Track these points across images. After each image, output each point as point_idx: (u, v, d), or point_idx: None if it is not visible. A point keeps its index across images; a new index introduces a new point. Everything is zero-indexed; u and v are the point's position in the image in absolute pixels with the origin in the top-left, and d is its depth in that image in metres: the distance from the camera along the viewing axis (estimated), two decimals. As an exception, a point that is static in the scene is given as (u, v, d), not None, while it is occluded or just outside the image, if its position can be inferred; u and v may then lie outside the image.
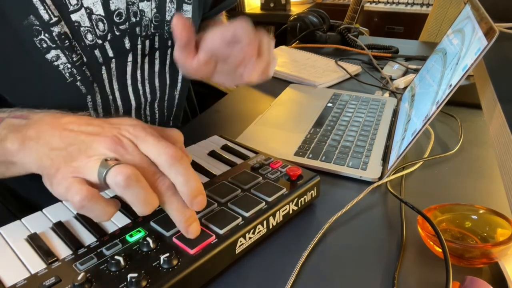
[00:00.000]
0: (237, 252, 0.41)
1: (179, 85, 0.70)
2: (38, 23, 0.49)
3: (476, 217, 0.46)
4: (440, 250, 0.40)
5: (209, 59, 0.49)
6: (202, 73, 0.50)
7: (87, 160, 0.36)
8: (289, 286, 0.40)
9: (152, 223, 0.41)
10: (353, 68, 1.01)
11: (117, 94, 0.60)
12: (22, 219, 0.42)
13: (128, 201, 0.36)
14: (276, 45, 1.23)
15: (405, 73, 0.99)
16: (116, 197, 0.38)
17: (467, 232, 0.45)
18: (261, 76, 0.51)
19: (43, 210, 0.44)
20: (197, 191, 0.38)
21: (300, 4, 2.58)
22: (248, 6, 2.53)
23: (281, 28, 1.36)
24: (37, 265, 0.36)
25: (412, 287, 0.40)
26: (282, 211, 0.46)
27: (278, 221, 0.46)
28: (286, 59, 1.09)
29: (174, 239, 0.39)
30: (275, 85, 0.94)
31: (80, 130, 0.39)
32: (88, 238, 0.40)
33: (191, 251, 0.38)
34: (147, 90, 0.65)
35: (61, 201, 0.45)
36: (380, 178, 0.56)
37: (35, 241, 0.39)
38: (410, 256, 0.44)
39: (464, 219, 0.46)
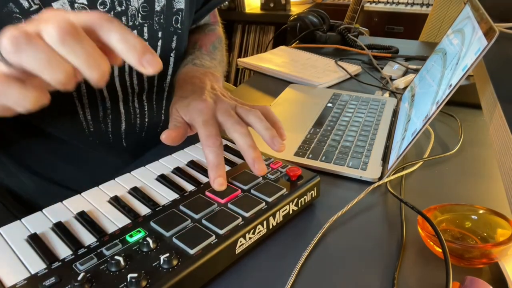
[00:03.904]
0: (237, 252, 0.41)
1: (168, 77, 0.69)
2: (17, 10, 0.49)
3: (476, 217, 0.46)
4: (440, 250, 0.40)
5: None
6: None
7: None
8: (289, 286, 0.40)
9: (152, 223, 0.41)
10: (353, 68, 1.01)
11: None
12: (22, 219, 0.42)
13: (31, 69, 0.31)
14: (276, 45, 1.24)
15: (405, 73, 0.99)
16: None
17: (467, 232, 0.45)
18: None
19: (43, 210, 0.44)
20: (142, 46, 0.33)
21: (300, 4, 2.59)
22: (248, 6, 2.54)
23: (281, 28, 1.36)
24: (37, 265, 0.36)
25: (412, 287, 0.40)
26: (282, 211, 0.46)
27: (278, 221, 0.46)
28: (286, 59, 1.09)
29: (174, 239, 0.39)
30: (275, 85, 0.94)
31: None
32: (88, 238, 0.40)
33: (191, 251, 0.38)
34: (135, 81, 0.64)
35: (61, 201, 0.45)
36: (380, 178, 0.56)
37: (35, 241, 0.39)
38: (410, 256, 0.44)
39: (464, 219, 0.46)
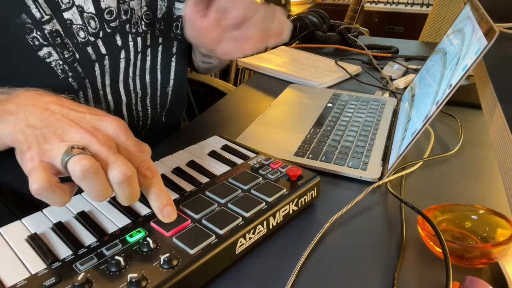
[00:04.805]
0: (237, 252, 0.41)
1: (171, 82, 0.70)
2: (30, 21, 0.50)
3: (476, 217, 0.46)
4: (440, 250, 0.40)
5: (219, 19, 0.49)
6: (210, 36, 0.50)
7: (58, 144, 0.36)
8: (289, 286, 0.40)
9: (152, 223, 0.41)
10: (353, 68, 1.01)
11: (108, 89, 0.60)
12: (22, 219, 0.42)
13: (83, 189, 0.36)
14: (276, 45, 1.23)
15: (405, 73, 0.99)
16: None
17: (467, 232, 0.45)
18: (275, 38, 0.52)
19: (43, 210, 0.44)
20: (168, 200, 0.41)
21: (300, 4, 2.59)
22: (248, 6, 2.53)
23: (281, 28, 1.36)
24: (37, 265, 0.36)
25: (412, 287, 0.40)
26: (282, 212, 0.46)
27: (278, 221, 0.46)
28: (286, 59, 1.09)
29: (174, 239, 0.39)
30: (275, 85, 0.94)
31: (62, 113, 0.39)
32: (88, 238, 0.40)
33: (191, 251, 0.38)
34: (138, 86, 0.65)
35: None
36: (380, 178, 0.56)
37: (35, 241, 0.39)
38: (410, 256, 0.44)
39: (464, 219, 0.46)
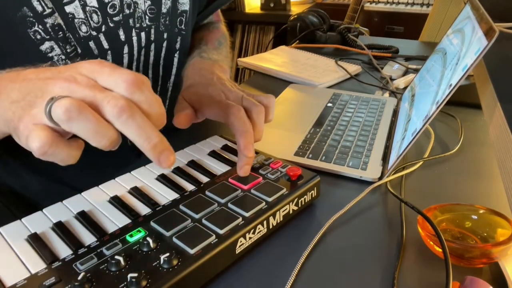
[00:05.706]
0: (237, 252, 0.41)
1: (172, 77, 0.69)
2: (31, 14, 0.49)
3: (476, 217, 0.46)
4: (440, 250, 0.40)
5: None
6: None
7: (43, 104, 0.34)
8: (289, 286, 0.40)
9: (152, 223, 0.41)
10: (353, 68, 1.01)
11: None
12: (22, 219, 0.42)
13: (79, 135, 0.34)
14: (276, 45, 1.23)
15: (405, 73, 0.99)
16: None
17: (467, 232, 0.45)
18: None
19: (43, 210, 0.44)
20: (161, 112, 0.36)
21: (300, 4, 2.58)
22: (248, 6, 2.53)
23: (281, 28, 1.36)
24: (37, 265, 0.36)
25: (412, 287, 0.40)
26: (282, 211, 0.46)
27: (278, 221, 0.46)
28: (286, 59, 1.09)
29: (174, 239, 0.39)
30: (275, 85, 0.94)
31: (38, 77, 0.37)
32: (88, 238, 0.40)
33: (191, 251, 0.38)
34: None
35: (61, 201, 0.45)
36: (380, 178, 0.56)
37: (35, 241, 0.39)
38: (410, 256, 0.44)
39: (464, 219, 0.46)
